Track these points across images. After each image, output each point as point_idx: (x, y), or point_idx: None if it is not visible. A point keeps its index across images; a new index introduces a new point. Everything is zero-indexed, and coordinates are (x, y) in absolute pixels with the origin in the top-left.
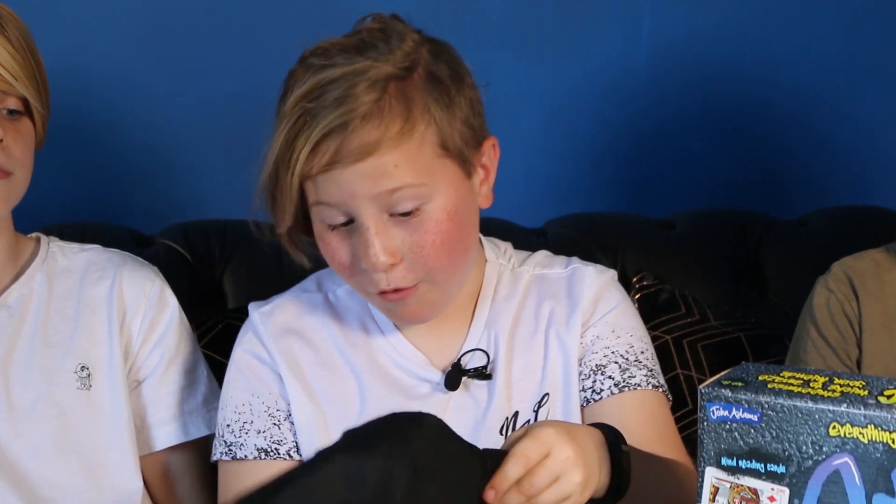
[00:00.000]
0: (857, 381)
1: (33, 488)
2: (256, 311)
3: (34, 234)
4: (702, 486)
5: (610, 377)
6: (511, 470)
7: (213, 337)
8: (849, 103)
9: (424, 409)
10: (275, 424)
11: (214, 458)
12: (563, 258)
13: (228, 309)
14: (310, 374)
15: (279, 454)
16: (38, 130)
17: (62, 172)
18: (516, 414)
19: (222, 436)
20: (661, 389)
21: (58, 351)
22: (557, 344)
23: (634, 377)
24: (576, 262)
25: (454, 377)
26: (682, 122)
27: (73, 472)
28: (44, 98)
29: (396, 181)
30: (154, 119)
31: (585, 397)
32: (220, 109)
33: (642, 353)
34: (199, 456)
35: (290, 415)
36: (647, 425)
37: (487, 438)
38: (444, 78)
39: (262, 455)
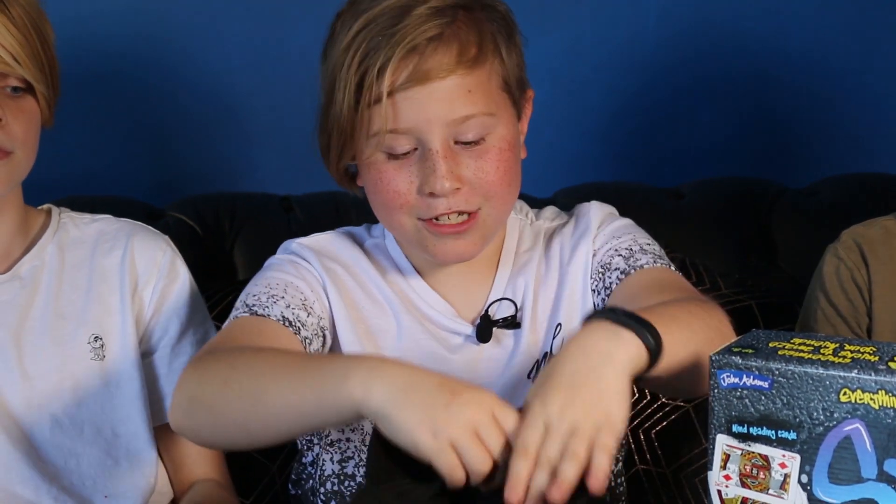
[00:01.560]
0: (868, 347)
1: (47, 458)
2: (292, 242)
3: (45, 206)
4: (713, 454)
5: (616, 269)
6: (520, 468)
7: (224, 309)
8: (858, 71)
9: (458, 360)
10: (307, 314)
11: (227, 324)
12: (571, 210)
13: (238, 281)
14: (355, 298)
15: (300, 333)
16: (42, 110)
17: (73, 146)
18: (545, 355)
19: (243, 302)
20: (669, 266)
21: (71, 322)
22: (570, 274)
23: (640, 260)
24: (578, 205)
25: (485, 329)
26: (691, 91)
27: (87, 441)
28: (49, 78)
29: (470, 108)
30: (164, 93)
31: (601, 298)
32: (231, 82)
33: (647, 244)
34: None
35: (321, 319)
36: (650, 289)
37: (517, 384)
38: (505, 16)
39: (287, 323)
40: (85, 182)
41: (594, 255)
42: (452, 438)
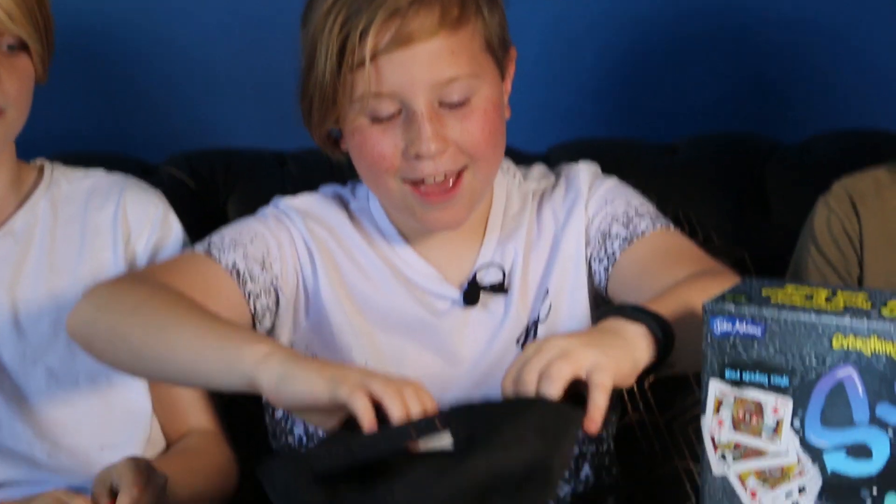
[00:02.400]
0: (861, 293)
1: (42, 412)
2: (279, 200)
3: (38, 162)
4: (706, 399)
5: (616, 236)
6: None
7: None
8: (851, 26)
9: (444, 325)
10: (261, 268)
11: (188, 251)
12: (556, 168)
13: None
14: (338, 262)
15: (244, 287)
16: (36, 67)
17: (66, 102)
18: (535, 322)
19: (211, 237)
20: (669, 227)
21: (64, 276)
22: (564, 241)
23: (639, 226)
24: (565, 166)
25: (472, 292)
26: (685, 47)
27: (82, 394)
28: (44, 35)
29: (454, 69)
30: (158, 47)
31: (604, 267)
32: (225, 37)
33: (641, 205)
34: None
35: (276, 279)
36: (666, 260)
37: (506, 350)
38: None
39: (234, 274)
40: (78, 138)
41: (590, 222)
42: (350, 379)
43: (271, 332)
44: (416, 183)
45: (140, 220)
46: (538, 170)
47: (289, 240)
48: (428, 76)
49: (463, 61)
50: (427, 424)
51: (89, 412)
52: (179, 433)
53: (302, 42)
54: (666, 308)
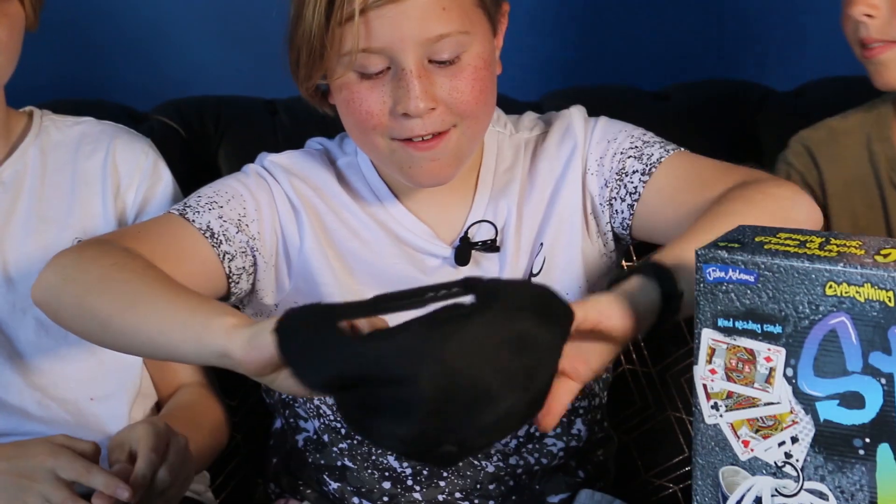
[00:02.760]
0: (854, 240)
1: (32, 362)
2: (264, 158)
3: (27, 109)
4: (698, 348)
5: (634, 171)
6: None
7: None
8: None
9: (433, 280)
10: (237, 229)
11: (164, 214)
12: (546, 115)
13: None
14: (325, 221)
15: (219, 247)
16: (27, 13)
17: (55, 49)
18: (529, 276)
19: (188, 199)
20: (680, 149)
21: (54, 225)
22: (563, 193)
23: (653, 156)
24: (555, 113)
25: (464, 252)
26: None
27: (72, 344)
28: None
29: (444, 26)
30: None
31: (628, 204)
32: None
33: (643, 134)
34: None
35: (252, 240)
36: (694, 183)
37: None
38: None
39: (208, 235)
40: (67, 86)
41: (599, 165)
42: None
43: (252, 294)
44: (404, 140)
45: (130, 169)
46: (529, 118)
47: (268, 200)
48: (418, 32)
49: (454, 17)
50: (447, 289)
51: (78, 364)
52: (171, 386)
53: None
54: (707, 235)
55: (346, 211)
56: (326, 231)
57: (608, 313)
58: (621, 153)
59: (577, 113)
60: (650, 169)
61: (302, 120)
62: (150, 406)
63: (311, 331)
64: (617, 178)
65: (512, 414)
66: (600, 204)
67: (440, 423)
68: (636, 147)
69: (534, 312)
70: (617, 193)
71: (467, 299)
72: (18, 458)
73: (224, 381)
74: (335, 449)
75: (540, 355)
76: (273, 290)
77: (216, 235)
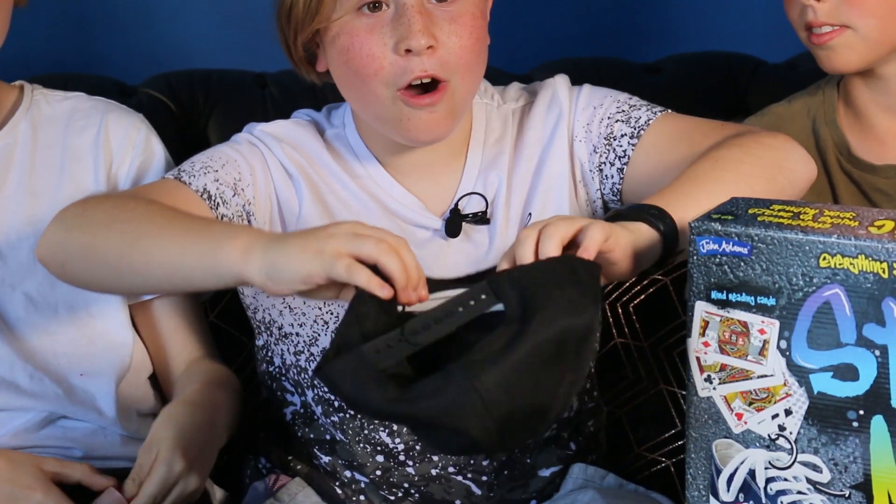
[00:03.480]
0: (848, 212)
1: (23, 337)
2: (254, 127)
3: (17, 83)
4: (692, 321)
5: (622, 135)
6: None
7: None
8: None
9: (426, 255)
10: (233, 192)
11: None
12: (530, 85)
13: None
14: (321, 190)
15: (217, 210)
16: None
17: (44, 23)
18: None
19: (181, 165)
20: (667, 111)
21: (44, 200)
22: (549, 162)
23: (640, 118)
24: (539, 82)
25: (454, 224)
26: None
27: (61, 321)
28: None
29: None
30: None
31: (618, 168)
32: None
33: (628, 98)
34: (188, 300)
35: (248, 204)
36: (681, 142)
37: None
38: None
39: (205, 197)
40: (56, 60)
41: (587, 131)
42: (338, 249)
43: None
44: (405, 91)
45: (122, 144)
46: (514, 89)
47: (262, 166)
48: None
49: None
50: (475, 300)
51: (68, 340)
52: (173, 361)
53: None
54: (706, 179)
55: (338, 181)
56: (322, 198)
57: (622, 244)
58: (608, 118)
59: (561, 81)
60: (639, 132)
61: (292, 93)
62: (144, 379)
63: (357, 385)
64: (605, 142)
65: (567, 401)
66: (590, 170)
67: (498, 446)
68: (623, 111)
69: (564, 290)
70: (606, 158)
71: (498, 307)
72: (9, 482)
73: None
74: (327, 421)
75: (582, 336)
76: None
77: (213, 198)
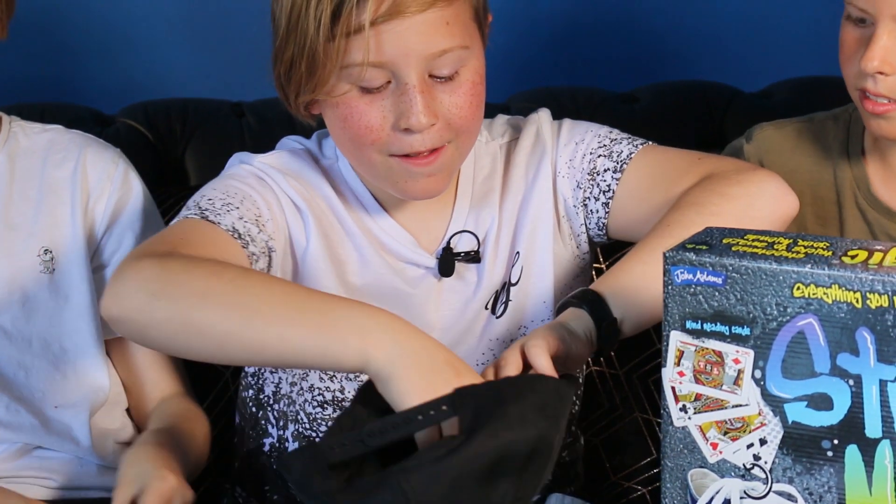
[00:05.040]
0: (821, 242)
1: None
2: (251, 159)
3: None
4: (667, 350)
5: (605, 169)
6: None
7: (176, 215)
8: None
9: (419, 295)
10: (258, 229)
11: (175, 221)
12: (514, 119)
13: (190, 186)
14: (324, 223)
15: (247, 248)
16: None
17: (20, 51)
18: (504, 285)
19: (196, 204)
20: (647, 143)
21: (21, 233)
22: (534, 199)
23: (623, 152)
24: (523, 118)
25: (447, 262)
26: None
27: (35, 354)
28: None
29: (448, 41)
30: None
31: (602, 203)
32: None
33: (608, 131)
34: None
35: (270, 240)
36: (658, 180)
37: (476, 316)
38: None
39: (235, 236)
40: (33, 88)
41: (569, 167)
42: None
43: None
44: (402, 156)
45: (100, 179)
46: (499, 124)
47: (275, 200)
48: (422, 47)
49: (456, 32)
50: (434, 410)
51: (42, 374)
52: (152, 400)
53: (275, 5)
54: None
55: (335, 215)
56: (326, 232)
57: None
58: (591, 153)
59: (545, 117)
60: (621, 166)
61: (269, 122)
62: (121, 411)
63: (304, 474)
64: (589, 177)
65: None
66: (574, 206)
67: None
68: (605, 146)
69: (518, 405)
70: (591, 193)
71: (453, 422)
72: None
73: (193, 381)
74: None
75: (530, 451)
76: None
77: (243, 236)
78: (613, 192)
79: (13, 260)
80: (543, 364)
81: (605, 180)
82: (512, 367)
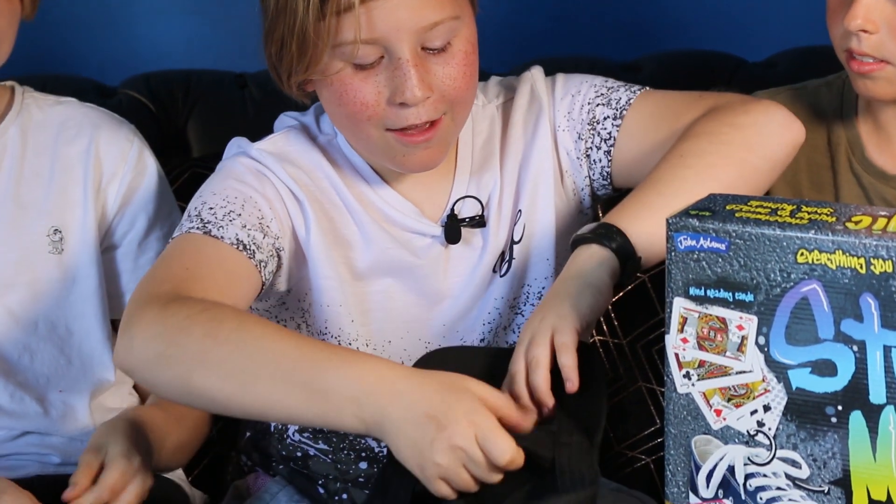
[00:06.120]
0: (825, 208)
1: (4, 355)
2: (249, 148)
3: (8, 83)
4: (670, 317)
5: (605, 117)
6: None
7: (180, 186)
8: None
9: (426, 265)
10: (262, 234)
11: (178, 233)
12: (507, 79)
13: (193, 157)
14: (324, 205)
15: (254, 257)
16: (25, 4)
17: (23, 23)
18: (510, 245)
19: (198, 214)
20: (645, 88)
21: (31, 212)
22: (534, 157)
23: (621, 99)
24: (515, 77)
25: (453, 229)
26: None
27: (41, 337)
28: None
29: (438, 13)
30: None
31: (605, 151)
32: None
33: (604, 80)
34: None
35: (277, 240)
36: (660, 121)
37: (483, 279)
38: None
39: (241, 248)
40: (36, 60)
41: (569, 120)
42: (439, 473)
43: (272, 287)
44: (398, 129)
45: (115, 160)
46: (493, 86)
47: (275, 194)
48: (413, 21)
49: (446, 3)
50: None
51: (47, 357)
52: None
53: None
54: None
55: (337, 193)
56: (327, 219)
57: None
58: (588, 103)
59: (538, 74)
60: (621, 112)
61: (271, 93)
62: (127, 391)
63: None
64: (590, 127)
65: None
66: (577, 158)
67: None
68: (602, 94)
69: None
70: (592, 143)
71: None
72: None
73: None
74: (309, 436)
75: None
76: (286, 278)
77: (248, 247)
78: (615, 140)
79: (22, 240)
80: (569, 363)
81: (605, 128)
82: (542, 369)
